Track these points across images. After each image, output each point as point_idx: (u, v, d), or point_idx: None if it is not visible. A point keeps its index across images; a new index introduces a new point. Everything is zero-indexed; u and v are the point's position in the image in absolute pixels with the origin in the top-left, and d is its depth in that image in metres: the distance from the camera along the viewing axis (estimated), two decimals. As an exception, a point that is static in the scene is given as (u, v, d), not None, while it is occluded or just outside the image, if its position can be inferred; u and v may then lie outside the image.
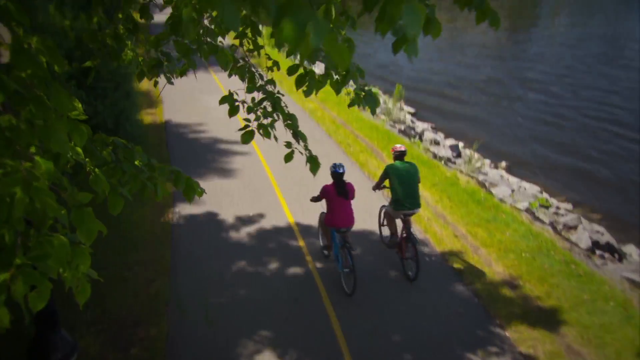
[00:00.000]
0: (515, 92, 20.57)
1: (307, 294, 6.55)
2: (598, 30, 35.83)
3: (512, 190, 10.90)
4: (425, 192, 9.52)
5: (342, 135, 12.40)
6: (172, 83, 4.23)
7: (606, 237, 9.28)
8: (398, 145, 7.17)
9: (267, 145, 11.46)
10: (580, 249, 8.37)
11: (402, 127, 13.81)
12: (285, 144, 3.44)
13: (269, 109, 3.65)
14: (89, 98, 9.65)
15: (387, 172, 6.92)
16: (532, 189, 11.61)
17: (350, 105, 3.13)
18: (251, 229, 8.20)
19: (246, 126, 3.42)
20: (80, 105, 2.22)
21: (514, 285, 6.86)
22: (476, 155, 12.75)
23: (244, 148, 11.54)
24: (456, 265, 7.25)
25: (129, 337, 5.93)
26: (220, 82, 17.27)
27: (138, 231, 8.24)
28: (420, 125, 14.99)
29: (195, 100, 15.31)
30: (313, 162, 3.24)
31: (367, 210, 8.54)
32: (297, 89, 2.91)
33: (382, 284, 6.82)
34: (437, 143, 13.42)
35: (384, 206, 7.64)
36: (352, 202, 6.63)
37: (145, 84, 17.00)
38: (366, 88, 3.03)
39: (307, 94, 2.76)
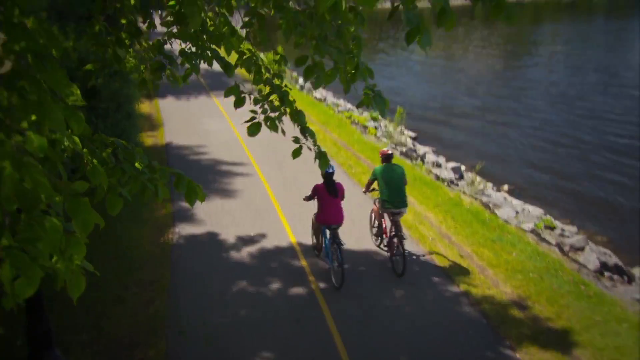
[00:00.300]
0: (513, 117, 20.65)
1: (309, 314, 6.36)
2: (593, 58, 36.24)
3: (517, 212, 10.77)
4: (428, 213, 9.40)
5: (344, 157, 12.34)
6: (176, 84, 4.13)
7: (614, 259, 9.10)
8: (385, 149, 7.72)
9: (268, 167, 11.49)
10: (589, 270, 8.19)
11: (404, 150, 13.76)
12: (293, 139, 3.33)
13: (276, 103, 3.53)
14: (90, 117, 9.62)
15: (375, 174, 7.39)
16: (535, 211, 11.46)
17: (359, 105, 3.04)
18: (252, 248, 8.03)
19: (252, 118, 3.30)
20: (78, 92, 2.12)
21: (523, 306, 6.66)
22: (478, 178, 12.66)
23: (245, 169, 11.47)
24: (463, 286, 7.06)
25: (127, 359, 5.72)
26: (222, 106, 17.33)
27: (137, 251, 8.08)
28: (421, 149, 14.96)
29: (196, 123, 15.32)
30: (322, 158, 3.14)
31: (361, 219, 8.39)
32: (305, 81, 2.83)
33: (386, 307, 6.63)
34: (438, 165, 13.35)
35: (373, 210, 8.01)
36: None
37: (146, 107, 17.07)
38: (375, 89, 2.95)
39: (315, 85, 2.67)
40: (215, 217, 9.13)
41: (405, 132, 16.77)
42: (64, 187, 1.86)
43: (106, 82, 9.98)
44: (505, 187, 13.37)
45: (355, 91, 3.13)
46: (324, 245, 7.13)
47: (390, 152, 7.59)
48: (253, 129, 3.29)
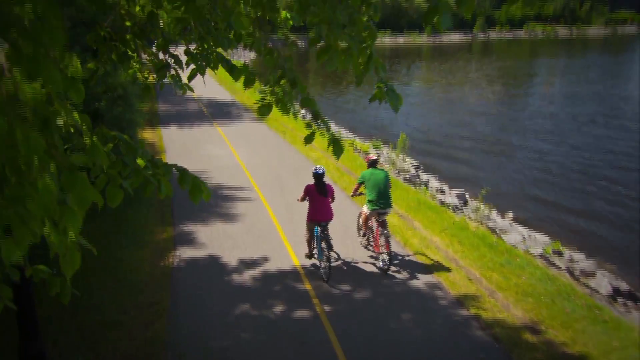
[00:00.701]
0: (512, 148, 20.76)
1: (314, 337, 6.11)
2: (590, 91, 36.71)
3: (523, 237, 10.58)
4: (434, 237, 9.22)
5: (347, 182, 12.23)
6: (184, 90, 4.04)
7: (625, 285, 8.86)
8: (370, 155, 8.39)
9: (271, 191, 11.37)
10: (601, 295, 7.96)
11: (407, 176, 13.68)
12: (305, 125, 3.18)
13: (287, 89, 3.37)
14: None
15: (362, 178, 8.00)
16: (542, 238, 11.27)
17: (371, 99, 2.91)
18: (255, 271, 7.82)
19: (262, 99, 3.14)
20: (78, 64, 2.01)
21: (536, 330, 6.41)
22: (482, 205, 12.51)
23: (247, 194, 11.34)
24: (472, 310, 6.82)
25: (122, 383, 5.45)
26: (225, 134, 17.35)
27: (136, 274, 7.87)
28: (424, 176, 14.87)
29: (198, 149, 15.29)
30: (336, 145, 2.99)
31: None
32: (319, 61, 2.70)
33: (393, 330, 6.39)
34: (442, 192, 13.23)
35: (361, 213, 8.45)
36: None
37: (149, 134, 17.07)
38: (389, 84, 2.84)
39: (328, 67, 2.55)
40: (216, 240, 8.94)
41: (408, 160, 16.72)
42: (60, 158, 1.70)
43: (109, 106, 9.97)
44: (510, 214, 13.21)
45: (360, 123, 3.02)
46: (315, 241, 7.66)
47: (375, 157, 8.20)
48: (263, 110, 3.13)
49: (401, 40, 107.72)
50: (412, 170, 14.69)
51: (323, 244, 7.38)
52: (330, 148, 3.08)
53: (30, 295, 5.18)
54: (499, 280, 7.64)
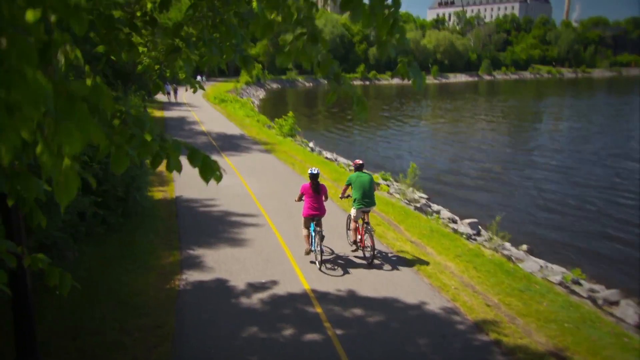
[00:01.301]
0: (519, 181, 20.71)
1: (327, 361, 5.78)
2: (594, 129, 36.80)
3: (540, 267, 10.22)
4: (449, 263, 8.92)
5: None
6: (196, 86, 3.93)
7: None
8: (357, 160, 9.37)
9: (280, 218, 11.16)
10: (628, 324, 7.57)
11: (418, 205, 13.45)
12: (327, 84, 2.96)
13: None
14: (100, 163, 9.46)
15: (349, 180, 9.02)
16: (559, 269, 10.91)
17: (394, 74, 2.79)
18: (264, 295, 7.54)
19: (283, 46, 2.89)
20: None
21: (561, 357, 6.04)
22: (496, 236, 12.20)
23: (256, 220, 11.15)
24: (493, 335, 6.47)
25: (123, 406, 5.13)
26: (234, 165, 17.31)
27: (141, 297, 7.60)
28: (435, 206, 14.63)
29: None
30: (360, 105, 2.79)
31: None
32: (343, 10, 2.52)
33: (410, 354, 6.04)
34: (454, 221, 12.95)
35: (350, 215, 9.32)
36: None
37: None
38: (412, 62, 2.69)
39: (352, 17, 2.37)
40: (224, 264, 8.70)
41: (417, 193, 16.53)
42: (57, 82, 1.49)
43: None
44: (524, 247, 12.87)
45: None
46: (310, 233, 8.68)
47: (361, 162, 9.22)
48: (283, 59, 2.91)
49: (407, 80, 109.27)
50: (423, 201, 14.46)
51: (317, 237, 8.40)
52: (354, 111, 2.84)
53: (29, 307, 4.95)
54: (519, 307, 7.30)
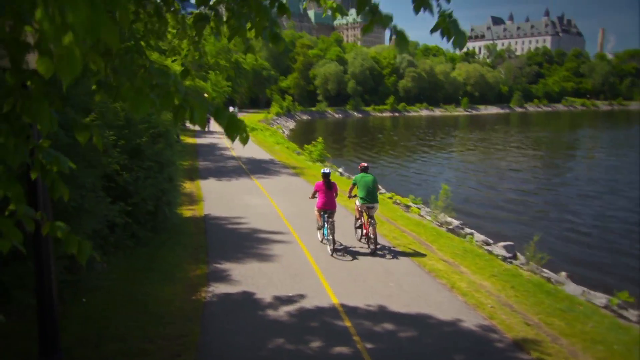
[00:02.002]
0: (553, 209, 20.03)
1: (356, 374, 5.47)
2: (634, 159, 35.62)
3: (583, 291, 9.65)
4: (484, 282, 8.51)
5: (387, 230, 11.72)
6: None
7: None
8: (362, 163, 10.45)
9: (308, 235, 10.96)
10: (682, 349, 6.96)
11: (451, 227, 13.05)
12: (361, 19, 2.84)
13: None
14: (131, 177, 9.53)
15: (355, 181, 10.15)
16: (602, 295, 10.28)
17: (433, 30, 2.56)
18: (291, 308, 7.29)
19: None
20: None
21: (612, 379, 5.56)
22: (532, 261, 11.66)
23: (284, 237, 10.98)
24: (535, 354, 6.03)
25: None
26: (263, 187, 17.31)
27: (166, 307, 7.47)
28: (468, 229, 14.17)
29: (236, 199, 15.20)
30: (401, 37, 2.63)
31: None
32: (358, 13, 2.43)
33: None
34: (488, 244, 12.48)
35: (356, 214, 10.60)
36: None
37: (188, 186, 17.20)
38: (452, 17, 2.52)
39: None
40: (251, 278, 8.52)
41: (449, 217, 16.10)
42: None
43: (150, 143, 10.05)
44: (563, 273, 12.26)
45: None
46: (323, 224, 10.03)
47: (366, 164, 10.35)
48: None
49: (437, 112, 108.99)
50: (456, 223, 14.04)
51: (329, 229, 9.70)
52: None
53: (53, 306, 4.85)
54: (561, 326, 6.84)
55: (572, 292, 9.07)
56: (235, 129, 2.32)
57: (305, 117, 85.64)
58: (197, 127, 32.36)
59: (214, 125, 43.64)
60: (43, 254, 4.05)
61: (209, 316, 7.08)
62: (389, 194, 17.12)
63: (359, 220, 10.40)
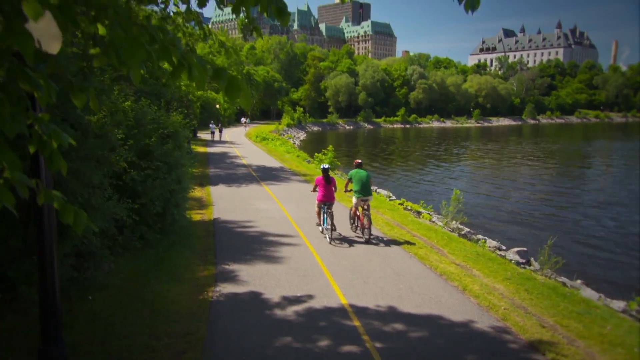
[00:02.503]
0: (567, 218, 19.71)
1: (365, 372, 5.31)
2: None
3: (600, 296, 9.39)
4: (498, 285, 8.30)
5: (399, 234, 11.56)
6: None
7: None
8: (357, 160, 11.58)
9: (317, 239, 10.85)
10: None
11: (462, 232, 12.84)
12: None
13: None
14: (140, 176, 9.50)
15: (350, 176, 11.13)
16: (620, 302, 10.00)
17: None
18: (299, 307, 7.16)
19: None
20: None
21: (632, 381, 5.33)
22: (546, 265, 11.39)
23: (293, 240, 10.87)
24: (550, 355, 5.83)
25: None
26: (273, 193, 17.25)
27: (173, 306, 7.38)
28: (480, 236, 13.93)
29: (245, 204, 15.14)
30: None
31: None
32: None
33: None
34: (501, 249, 12.24)
35: (351, 208, 11.40)
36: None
37: (198, 192, 17.19)
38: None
39: None
40: (259, 279, 8.41)
41: (459, 223, 15.87)
42: None
43: (159, 143, 10.03)
44: (579, 281, 11.96)
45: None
46: (322, 215, 11.04)
47: (360, 161, 11.47)
48: None
49: (449, 124, 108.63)
50: (467, 229, 13.82)
51: (328, 219, 10.75)
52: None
53: (55, 295, 4.78)
54: (578, 329, 6.61)
55: (588, 295, 8.82)
56: (236, 91, 2.23)
57: (316, 128, 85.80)
58: (208, 137, 32.36)
59: (224, 136, 43.94)
60: (46, 240, 4.00)
61: (215, 315, 6.98)
62: (399, 200, 16.92)
63: (355, 213, 11.21)
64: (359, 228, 11.20)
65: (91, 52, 2.20)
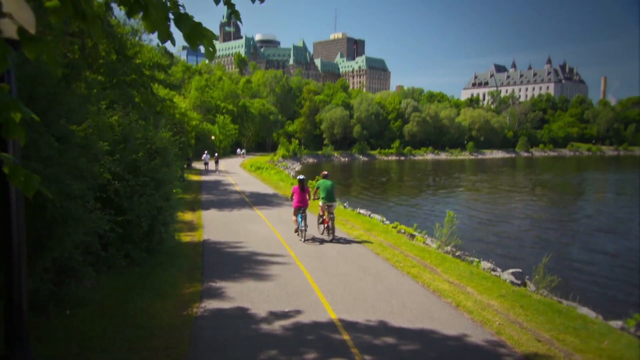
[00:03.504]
0: (559, 242, 19.55)
1: (353, 383, 5.03)
2: (631, 202, 35.18)
3: (597, 315, 9.13)
4: (492, 301, 8.06)
5: (390, 254, 11.32)
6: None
7: None
8: (324, 172, 13.62)
9: (308, 258, 10.60)
10: None
11: (457, 254, 12.62)
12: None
13: None
14: (125, 190, 9.31)
15: (318, 185, 13.00)
16: (617, 321, 9.74)
17: None
18: (286, 322, 6.89)
19: None
20: None
21: (633, 394, 5.08)
22: (542, 286, 11.16)
23: (282, 259, 10.62)
24: (547, 368, 5.58)
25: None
26: (264, 216, 17.04)
27: (155, 321, 7.09)
28: (475, 258, 13.69)
29: (237, 227, 14.90)
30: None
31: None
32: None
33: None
34: (495, 270, 12.00)
35: (319, 214, 13.36)
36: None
37: (189, 216, 16.94)
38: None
39: None
40: (246, 295, 8.13)
41: (452, 246, 15.64)
42: None
43: (146, 158, 9.89)
44: (575, 300, 11.71)
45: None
46: (297, 219, 12.78)
47: (327, 172, 13.51)
48: None
49: (443, 156, 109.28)
50: (461, 251, 13.59)
51: (302, 222, 12.54)
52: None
53: (20, 295, 4.53)
54: (575, 343, 6.37)
55: (585, 312, 8.56)
56: (198, 37, 2.12)
57: (311, 159, 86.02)
58: (201, 166, 32.15)
59: (220, 166, 43.84)
60: (13, 232, 3.80)
61: (198, 329, 6.69)
62: (392, 224, 16.73)
63: (322, 217, 13.03)
64: (325, 229, 13.03)
65: (47, 5, 2.09)
